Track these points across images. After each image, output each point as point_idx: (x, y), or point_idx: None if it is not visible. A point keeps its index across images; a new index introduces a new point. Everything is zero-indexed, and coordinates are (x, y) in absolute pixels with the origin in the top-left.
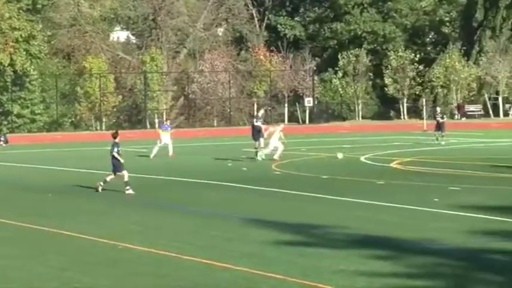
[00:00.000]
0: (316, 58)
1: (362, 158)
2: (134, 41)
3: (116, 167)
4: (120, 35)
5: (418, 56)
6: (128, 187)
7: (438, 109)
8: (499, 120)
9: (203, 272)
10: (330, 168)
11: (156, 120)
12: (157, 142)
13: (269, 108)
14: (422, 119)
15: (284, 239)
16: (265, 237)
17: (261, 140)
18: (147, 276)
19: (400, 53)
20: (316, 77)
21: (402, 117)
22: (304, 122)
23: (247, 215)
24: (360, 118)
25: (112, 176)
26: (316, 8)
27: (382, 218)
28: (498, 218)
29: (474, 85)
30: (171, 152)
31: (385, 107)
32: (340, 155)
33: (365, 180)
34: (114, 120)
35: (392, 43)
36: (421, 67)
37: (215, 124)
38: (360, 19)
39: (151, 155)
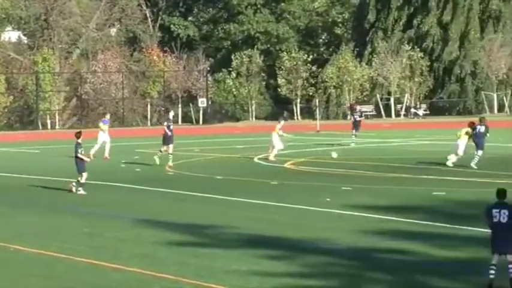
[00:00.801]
0: (210, 58)
1: (256, 159)
2: (26, 41)
3: (79, 167)
4: (11, 35)
5: (311, 56)
6: (80, 188)
7: (358, 107)
8: (391, 121)
9: (95, 273)
10: (224, 169)
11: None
12: (97, 140)
13: (162, 108)
14: (316, 119)
15: (176, 239)
16: (158, 238)
17: (171, 146)
18: (38, 278)
19: (293, 54)
20: (209, 78)
21: (295, 117)
22: (198, 122)
23: (139, 215)
24: (254, 118)
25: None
26: (210, 9)
27: (275, 218)
28: (388, 218)
29: (367, 85)
30: (107, 153)
31: (279, 107)
32: (334, 154)
33: (258, 181)
34: (5, 121)
35: (285, 44)
36: (314, 68)
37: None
38: (253, 20)
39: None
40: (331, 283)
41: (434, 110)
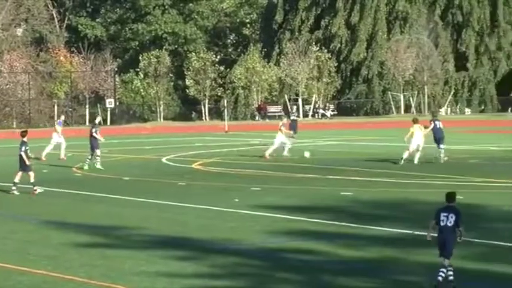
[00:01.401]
0: (118, 59)
1: (164, 159)
2: None
3: (23, 166)
4: None
5: (219, 57)
6: (35, 187)
7: (294, 108)
8: (299, 121)
9: (1, 276)
10: (132, 170)
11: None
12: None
13: (70, 109)
14: (224, 120)
15: (84, 241)
16: (65, 240)
17: (98, 150)
18: None
19: (202, 55)
20: (117, 78)
21: (204, 118)
22: (105, 123)
23: (46, 217)
24: (162, 119)
25: (20, 174)
26: (118, 9)
27: (183, 219)
28: (296, 218)
29: (275, 86)
30: (63, 154)
31: (187, 108)
32: (307, 154)
33: (166, 182)
34: None
35: (193, 44)
36: (222, 68)
37: (14, 126)
38: (161, 20)
39: (43, 154)
40: (239, 283)
41: (342, 111)
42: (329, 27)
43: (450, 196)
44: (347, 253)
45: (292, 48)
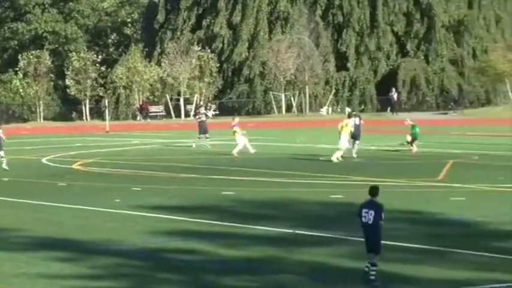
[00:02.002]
0: None
1: (44, 160)
2: None
3: None
4: None
5: (100, 57)
6: None
7: (202, 109)
8: (181, 121)
9: None
10: (11, 170)
11: None
12: None
13: None
14: (105, 120)
15: None
16: None
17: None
18: None
19: (82, 54)
20: None
21: (85, 118)
22: None
23: None
24: (42, 119)
25: None
26: None
27: (63, 220)
28: (178, 218)
29: (157, 86)
30: None
31: (67, 108)
32: (252, 150)
33: (46, 182)
34: None
35: (74, 44)
36: (103, 68)
37: None
38: (41, 19)
39: None
40: (120, 284)
41: (224, 110)
42: (211, 27)
43: (372, 190)
44: (229, 253)
45: (174, 48)
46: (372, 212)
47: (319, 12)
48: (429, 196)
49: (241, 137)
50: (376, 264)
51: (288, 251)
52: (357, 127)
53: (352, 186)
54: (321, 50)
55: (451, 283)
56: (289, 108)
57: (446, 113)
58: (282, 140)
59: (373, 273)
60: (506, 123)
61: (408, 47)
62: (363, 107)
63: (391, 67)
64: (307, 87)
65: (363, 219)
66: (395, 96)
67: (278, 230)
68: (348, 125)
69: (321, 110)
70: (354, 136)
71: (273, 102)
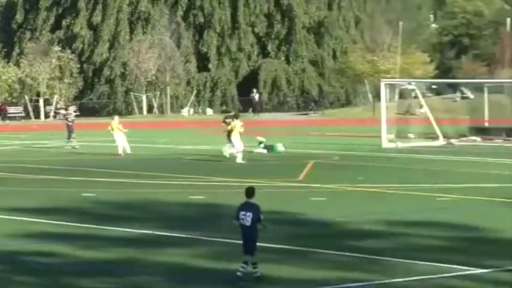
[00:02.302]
0: None
1: None
2: None
3: None
4: None
5: None
6: None
7: (71, 109)
8: (40, 122)
9: None
10: None
11: None
12: None
13: None
14: None
15: None
16: None
17: None
18: None
19: None
20: None
21: None
22: None
23: None
24: None
25: None
26: None
27: None
28: (36, 220)
29: (15, 87)
30: None
31: None
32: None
33: None
34: None
35: None
36: None
37: None
38: None
39: None
40: None
41: (84, 111)
42: (71, 27)
43: (248, 191)
44: (88, 254)
45: (33, 48)
46: (250, 214)
47: (180, 12)
48: (290, 196)
49: (120, 136)
50: (256, 262)
51: (147, 252)
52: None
53: (213, 187)
54: (182, 51)
55: (312, 282)
56: (150, 109)
57: (306, 114)
58: (143, 141)
59: (257, 269)
60: (366, 124)
61: (269, 47)
62: (224, 107)
63: (252, 68)
64: (168, 87)
65: (241, 221)
66: (256, 97)
67: (138, 231)
68: (237, 126)
69: (182, 110)
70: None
71: (134, 103)
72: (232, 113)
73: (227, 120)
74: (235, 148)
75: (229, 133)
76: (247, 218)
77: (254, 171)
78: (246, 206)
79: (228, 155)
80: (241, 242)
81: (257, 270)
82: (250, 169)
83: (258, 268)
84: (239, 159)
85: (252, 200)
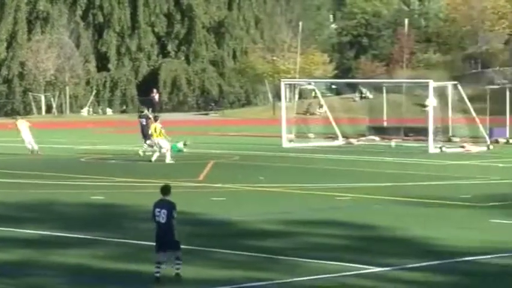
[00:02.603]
0: None
1: None
2: None
3: None
4: None
5: None
6: None
7: None
8: None
9: None
10: None
11: None
12: None
13: None
14: None
15: None
16: None
17: None
18: None
19: None
20: None
21: None
22: None
23: None
24: None
25: None
26: None
27: None
28: None
29: None
30: None
31: None
32: (141, 152)
33: None
34: None
35: None
36: None
37: None
38: None
39: None
40: None
41: None
42: None
43: (163, 189)
44: None
45: None
46: (165, 211)
47: (79, 12)
48: (190, 196)
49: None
50: (181, 259)
51: (46, 253)
52: (145, 127)
53: (114, 188)
54: (81, 51)
55: (215, 282)
56: (49, 109)
57: (207, 114)
58: (43, 142)
59: (179, 266)
60: (266, 124)
61: (169, 47)
62: (124, 107)
63: (152, 68)
64: (67, 87)
65: (156, 218)
66: (156, 96)
67: (37, 232)
68: (157, 127)
69: (82, 110)
70: (145, 135)
71: (33, 103)
72: (144, 111)
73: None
74: (161, 148)
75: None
76: (162, 215)
77: (154, 171)
78: (161, 203)
79: (141, 154)
80: (143, 242)
81: (179, 267)
82: (150, 169)
83: (180, 266)
84: (167, 159)
85: (168, 198)
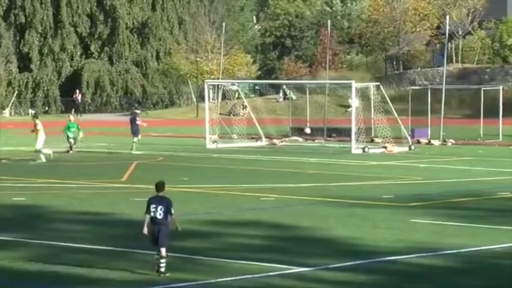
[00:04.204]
0: None
1: None
2: None
3: None
4: None
5: None
6: None
7: None
8: None
9: None
10: None
11: None
12: None
13: None
14: None
15: None
16: None
17: None
18: None
19: None
20: None
21: None
22: None
23: None
24: None
25: None
26: None
27: None
28: None
29: None
30: None
31: None
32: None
33: None
34: None
35: None
36: None
37: None
38: None
39: None
40: None
41: None
42: None
43: (158, 185)
44: None
45: None
46: (162, 207)
47: (0, 12)
48: (113, 197)
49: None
50: (166, 256)
51: None
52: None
53: (36, 189)
54: (2, 51)
55: (138, 283)
56: None
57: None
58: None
59: (163, 264)
60: (190, 125)
61: (92, 48)
62: (46, 108)
63: (75, 68)
64: None
65: (152, 214)
66: (79, 97)
67: None
68: (38, 126)
69: (4, 111)
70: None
71: None
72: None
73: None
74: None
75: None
76: (159, 210)
77: (78, 172)
78: (157, 199)
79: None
80: (60, 243)
81: (163, 264)
82: (73, 170)
83: (164, 263)
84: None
85: (162, 194)
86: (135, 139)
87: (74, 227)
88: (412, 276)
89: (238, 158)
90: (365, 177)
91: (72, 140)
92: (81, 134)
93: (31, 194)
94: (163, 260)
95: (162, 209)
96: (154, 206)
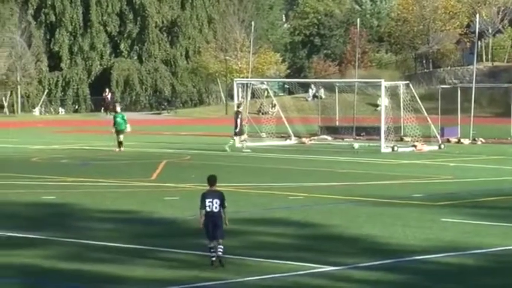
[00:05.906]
0: None
1: None
2: None
3: None
4: None
5: None
6: None
7: None
8: None
9: None
10: None
11: None
12: None
13: None
14: None
15: None
16: None
17: None
18: None
19: None
20: None
21: None
22: None
23: None
24: None
25: None
26: None
27: None
28: None
29: None
30: None
31: None
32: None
33: None
34: None
35: None
36: None
37: None
38: None
39: None
40: None
41: None
42: None
43: (210, 180)
44: None
45: None
46: (217, 201)
47: (31, 11)
48: (143, 196)
49: None
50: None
51: None
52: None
53: (65, 187)
54: (33, 50)
55: (162, 282)
56: (0, 109)
57: (159, 113)
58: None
59: (221, 248)
60: (219, 123)
61: (122, 47)
62: (76, 107)
63: (104, 67)
64: (19, 87)
65: (207, 208)
66: (109, 96)
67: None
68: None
69: (34, 110)
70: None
71: None
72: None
73: None
74: None
75: None
76: (215, 204)
77: (107, 171)
78: (212, 193)
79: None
80: (94, 242)
81: (221, 250)
82: (103, 168)
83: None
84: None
85: (214, 188)
86: (236, 138)
87: (105, 225)
88: (441, 276)
89: (267, 156)
90: (394, 176)
91: (121, 138)
92: (128, 128)
93: (62, 192)
94: (221, 246)
95: (218, 202)
96: (209, 200)
